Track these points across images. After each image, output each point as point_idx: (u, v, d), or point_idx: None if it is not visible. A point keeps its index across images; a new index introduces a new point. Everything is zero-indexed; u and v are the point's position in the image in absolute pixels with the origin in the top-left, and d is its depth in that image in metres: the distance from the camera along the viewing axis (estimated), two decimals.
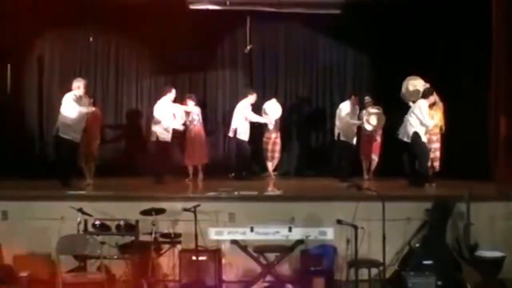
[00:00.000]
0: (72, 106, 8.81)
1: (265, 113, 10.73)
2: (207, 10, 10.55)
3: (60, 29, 11.17)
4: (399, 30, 11.00)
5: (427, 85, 9.49)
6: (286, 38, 11.82)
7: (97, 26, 11.00)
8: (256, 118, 10.60)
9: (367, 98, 10.52)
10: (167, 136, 9.75)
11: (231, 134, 10.60)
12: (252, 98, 10.54)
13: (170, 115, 9.87)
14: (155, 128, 9.72)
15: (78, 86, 8.94)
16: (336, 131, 10.47)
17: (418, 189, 8.98)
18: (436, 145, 9.59)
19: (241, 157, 10.61)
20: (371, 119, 10.21)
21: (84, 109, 8.93)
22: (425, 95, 9.25)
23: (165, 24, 10.98)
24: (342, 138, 10.38)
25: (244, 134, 10.48)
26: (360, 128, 10.52)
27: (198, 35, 11.16)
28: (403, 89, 9.75)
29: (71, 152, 9.00)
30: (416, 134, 9.08)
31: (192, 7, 10.53)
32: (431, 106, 9.27)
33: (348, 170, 10.21)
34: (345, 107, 10.43)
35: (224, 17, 10.87)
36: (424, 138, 9.15)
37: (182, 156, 10.54)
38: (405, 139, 9.23)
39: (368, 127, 10.25)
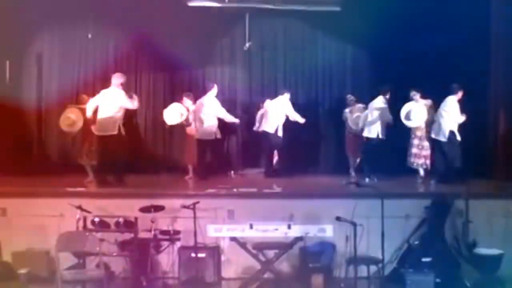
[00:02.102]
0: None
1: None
2: (206, 7, 10.52)
3: (59, 26, 11.15)
4: (398, 28, 10.98)
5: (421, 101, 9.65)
6: (285, 35, 11.79)
7: (96, 23, 10.96)
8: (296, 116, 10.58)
9: (350, 97, 10.46)
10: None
11: (272, 130, 10.48)
12: (288, 96, 10.62)
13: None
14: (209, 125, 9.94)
15: (122, 82, 8.99)
16: (375, 129, 9.80)
17: (419, 187, 8.99)
18: (426, 143, 9.71)
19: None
20: (355, 119, 10.20)
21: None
22: (453, 91, 9.30)
23: (164, 21, 10.95)
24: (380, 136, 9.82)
25: (281, 131, 10.51)
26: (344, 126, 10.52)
27: (197, 33, 11.13)
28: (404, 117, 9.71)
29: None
30: (452, 133, 9.15)
31: (191, 4, 10.50)
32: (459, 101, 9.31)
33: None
34: (379, 104, 9.83)
35: (223, 14, 10.84)
36: (458, 137, 9.19)
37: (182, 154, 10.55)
38: (441, 139, 9.28)
39: (354, 126, 10.24)
